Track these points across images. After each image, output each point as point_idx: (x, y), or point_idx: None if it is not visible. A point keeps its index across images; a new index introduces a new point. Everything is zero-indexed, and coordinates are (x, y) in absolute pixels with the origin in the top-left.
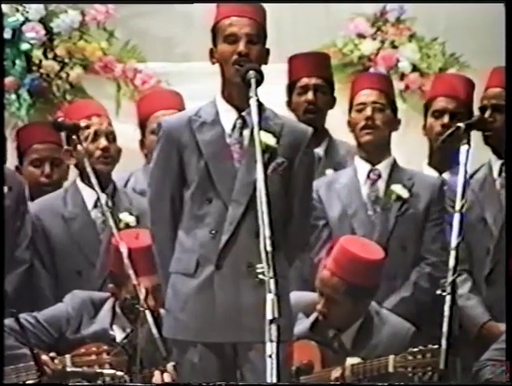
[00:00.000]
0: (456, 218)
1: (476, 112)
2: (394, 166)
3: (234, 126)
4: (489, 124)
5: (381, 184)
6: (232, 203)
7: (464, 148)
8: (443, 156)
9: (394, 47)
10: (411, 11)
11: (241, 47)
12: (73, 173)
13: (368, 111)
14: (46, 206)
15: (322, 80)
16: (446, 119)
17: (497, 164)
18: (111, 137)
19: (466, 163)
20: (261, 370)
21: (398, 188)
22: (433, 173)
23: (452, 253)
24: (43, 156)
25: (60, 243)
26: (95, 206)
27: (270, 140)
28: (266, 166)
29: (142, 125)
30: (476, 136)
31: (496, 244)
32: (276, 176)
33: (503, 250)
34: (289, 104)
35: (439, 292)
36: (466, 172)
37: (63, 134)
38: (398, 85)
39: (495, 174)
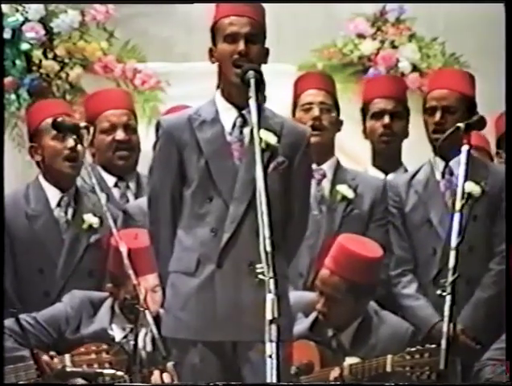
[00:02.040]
0: (456, 218)
1: (412, 109)
2: (338, 166)
3: (234, 124)
4: (439, 125)
5: (326, 184)
6: (233, 201)
7: (464, 148)
8: (387, 156)
9: (394, 47)
10: (411, 11)
11: (241, 46)
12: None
13: (316, 111)
14: (8, 202)
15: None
16: (387, 119)
17: (440, 165)
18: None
19: (467, 163)
20: (261, 370)
21: (343, 188)
22: (378, 174)
23: (452, 253)
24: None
25: (22, 240)
26: (58, 204)
27: (270, 138)
28: (266, 166)
29: (91, 124)
30: (416, 134)
31: (443, 246)
32: (276, 175)
33: (449, 251)
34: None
35: (439, 292)
36: (466, 172)
37: (25, 132)
38: None
39: (438, 175)
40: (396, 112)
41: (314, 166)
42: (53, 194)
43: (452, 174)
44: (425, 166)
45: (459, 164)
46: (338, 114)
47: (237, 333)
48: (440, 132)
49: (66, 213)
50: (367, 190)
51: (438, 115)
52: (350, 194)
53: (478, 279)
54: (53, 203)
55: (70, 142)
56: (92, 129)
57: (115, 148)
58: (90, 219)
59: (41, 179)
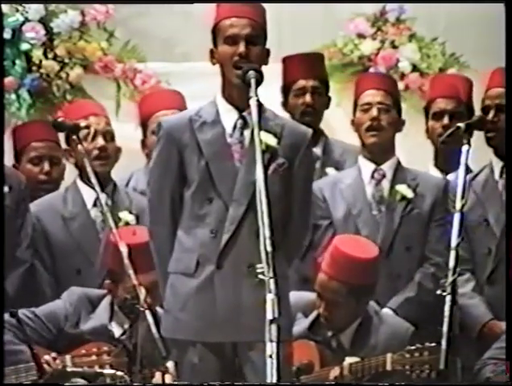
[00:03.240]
0: (456, 218)
1: (477, 112)
2: (398, 166)
3: (235, 126)
4: (492, 124)
5: (385, 184)
6: (233, 202)
7: (464, 148)
8: (448, 157)
9: (394, 47)
10: (411, 11)
11: (242, 48)
12: (70, 172)
13: (374, 112)
14: (45, 206)
15: (319, 82)
16: (446, 120)
17: (498, 165)
18: (109, 136)
19: (466, 163)
20: (262, 370)
21: (402, 188)
22: (438, 174)
23: (452, 253)
24: (42, 154)
25: (60, 242)
26: (94, 205)
27: (270, 140)
28: (266, 167)
29: (144, 125)
30: (479, 137)
31: (498, 245)
32: (277, 176)
33: (504, 250)
34: (285, 105)
35: (439, 292)
36: (466, 172)
37: (62, 134)
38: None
39: (496, 175)
40: (457, 113)
41: (373, 166)
42: (89, 194)
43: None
44: (486, 168)
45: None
46: (399, 114)
47: (236, 334)
48: (494, 131)
49: (102, 213)
50: (428, 189)
51: (491, 114)
52: (410, 193)
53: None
54: (89, 203)
55: (99, 142)
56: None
57: None
58: (126, 216)
59: (78, 181)
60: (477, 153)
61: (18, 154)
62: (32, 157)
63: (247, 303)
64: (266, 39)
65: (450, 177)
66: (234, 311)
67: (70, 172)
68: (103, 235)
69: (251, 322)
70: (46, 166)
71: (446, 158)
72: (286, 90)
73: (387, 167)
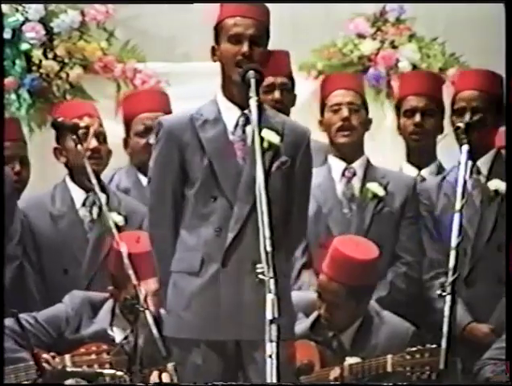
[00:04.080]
0: (456, 218)
1: (447, 109)
2: (368, 164)
3: (237, 124)
4: (472, 125)
5: (356, 182)
6: (237, 201)
7: (464, 148)
8: (420, 153)
9: (394, 47)
10: (411, 11)
11: (245, 48)
12: (56, 171)
13: (344, 112)
14: (33, 203)
15: (286, 79)
16: (418, 117)
17: (469, 166)
18: (101, 137)
19: (466, 163)
20: (265, 370)
21: (374, 186)
22: (412, 170)
23: (452, 253)
24: (13, 154)
25: (47, 241)
26: (83, 204)
27: (273, 138)
28: (269, 165)
29: (127, 125)
30: (448, 137)
31: (473, 246)
32: (279, 174)
33: (480, 251)
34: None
35: (439, 292)
36: (466, 172)
37: (26, 132)
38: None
39: (466, 175)
40: (428, 110)
41: (344, 165)
42: (78, 194)
43: (479, 173)
44: (455, 168)
45: (486, 163)
46: (367, 113)
47: (242, 332)
48: (470, 132)
49: (91, 213)
50: (398, 188)
51: (467, 116)
52: (381, 191)
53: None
54: (78, 203)
55: (93, 143)
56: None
57: (149, 151)
58: (115, 217)
59: (67, 180)
60: (446, 153)
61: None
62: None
63: (252, 301)
64: (268, 39)
65: (423, 172)
66: (239, 309)
67: (56, 171)
68: (107, 240)
69: (256, 320)
70: (17, 167)
71: (419, 154)
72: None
73: (357, 166)
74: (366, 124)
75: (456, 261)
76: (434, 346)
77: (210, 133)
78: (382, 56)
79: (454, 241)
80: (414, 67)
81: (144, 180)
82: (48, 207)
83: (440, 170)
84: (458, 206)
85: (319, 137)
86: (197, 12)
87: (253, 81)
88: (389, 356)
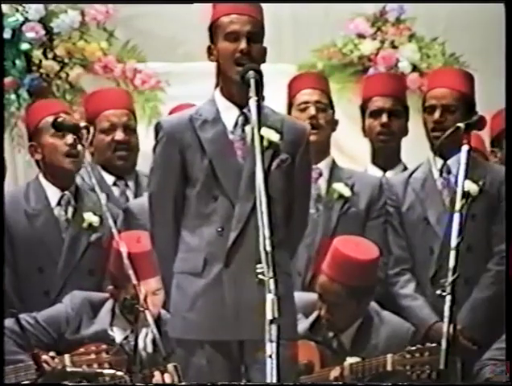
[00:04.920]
0: (456, 218)
1: (413, 109)
2: (334, 164)
3: (236, 123)
4: (438, 124)
5: (322, 183)
6: (239, 200)
7: (464, 148)
8: (385, 154)
9: (394, 47)
10: (411, 11)
11: (243, 45)
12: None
13: (312, 110)
14: (8, 200)
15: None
16: (384, 118)
17: (438, 164)
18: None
19: (467, 163)
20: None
21: (340, 186)
22: (377, 171)
23: (452, 253)
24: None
25: (22, 238)
26: (58, 203)
27: (273, 136)
28: (269, 163)
29: (91, 123)
30: (419, 133)
31: (442, 244)
32: (279, 172)
33: (448, 251)
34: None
35: (439, 292)
36: (466, 172)
37: (24, 131)
38: None
39: (435, 174)
40: (394, 111)
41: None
42: (53, 192)
43: (449, 172)
44: (423, 165)
45: (457, 163)
46: (333, 113)
47: (246, 332)
48: (439, 130)
49: (66, 212)
50: (364, 188)
51: (437, 113)
52: (347, 192)
53: (476, 279)
54: (53, 201)
55: (69, 139)
56: (92, 129)
57: (114, 148)
58: (90, 217)
59: (41, 178)
60: (412, 149)
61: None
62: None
63: (256, 301)
64: (264, 36)
65: (388, 174)
66: (243, 309)
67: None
68: (104, 238)
69: (261, 319)
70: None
71: (383, 156)
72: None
73: (323, 166)
74: (333, 124)
75: (456, 261)
76: (434, 345)
77: (210, 133)
78: (382, 56)
79: (454, 241)
80: (415, 67)
81: (108, 178)
82: (23, 204)
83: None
84: (458, 206)
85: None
86: (197, 12)
87: (252, 81)
88: (389, 355)
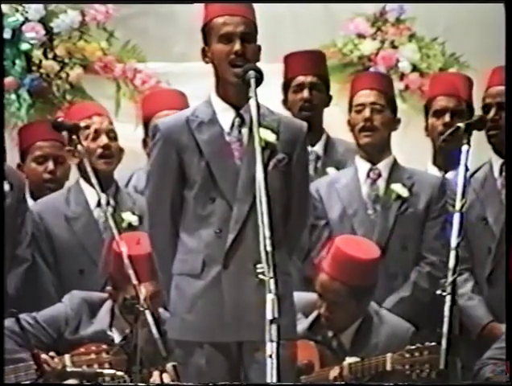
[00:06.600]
0: (456, 218)
1: (477, 110)
2: (395, 165)
3: (233, 124)
4: (494, 122)
5: (381, 183)
6: (236, 201)
7: (464, 148)
8: (447, 155)
9: (394, 47)
10: (411, 11)
11: (237, 46)
12: (74, 172)
13: (366, 112)
14: (48, 205)
15: (317, 78)
16: (447, 118)
17: (498, 163)
18: (112, 135)
19: (466, 163)
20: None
21: (397, 187)
22: (437, 172)
23: (452, 253)
24: (47, 153)
25: (63, 242)
26: (98, 205)
27: (269, 136)
28: (266, 165)
29: (146, 125)
30: (479, 134)
31: (497, 244)
32: (277, 172)
33: (504, 250)
34: (285, 102)
35: (439, 292)
36: (466, 172)
37: (64, 134)
38: (397, 85)
39: (496, 173)
40: (458, 111)
41: (369, 166)
42: (92, 194)
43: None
44: (485, 165)
45: None
46: (394, 113)
47: (245, 333)
48: (495, 128)
49: (105, 213)
50: (423, 188)
51: (492, 112)
52: (405, 192)
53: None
54: (92, 203)
55: (103, 140)
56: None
57: None
58: (129, 217)
59: (81, 182)
60: (477, 150)
61: (24, 154)
62: (37, 156)
63: (255, 302)
64: (257, 36)
65: (449, 175)
66: (242, 310)
67: (74, 172)
68: (106, 239)
69: (259, 320)
70: (50, 166)
71: (445, 157)
72: (286, 87)
73: (383, 166)
74: (391, 124)
75: (457, 261)
76: (433, 344)
77: (206, 134)
78: (382, 56)
79: (454, 241)
80: (415, 67)
81: None
82: (63, 209)
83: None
84: (458, 206)
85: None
86: (197, 12)
87: (252, 81)
88: (388, 355)
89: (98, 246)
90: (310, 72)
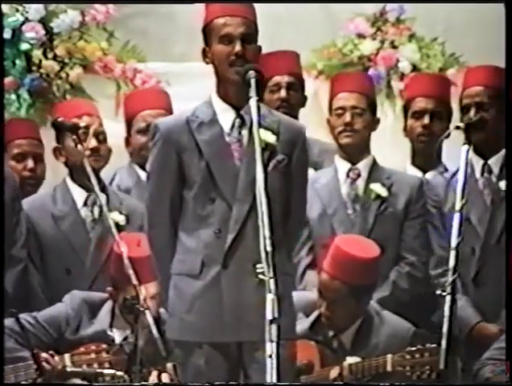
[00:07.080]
0: (456, 218)
1: (455, 111)
2: (374, 165)
3: (233, 125)
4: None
5: (360, 183)
6: (236, 202)
7: (464, 148)
8: (425, 155)
9: (394, 47)
10: (411, 11)
11: (238, 47)
12: (61, 172)
13: (347, 117)
14: (35, 204)
15: (294, 78)
16: (426, 120)
17: (479, 164)
18: (101, 137)
19: (467, 163)
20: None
21: (377, 187)
22: (416, 172)
23: (452, 253)
24: (25, 151)
25: (50, 241)
26: (85, 204)
27: (269, 137)
28: (266, 166)
29: (129, 123)
30: (458, 135)
31: (482, 245)
32: (276, 173)
33: (489, 250)
34: (261, 101)
35: (439, 292)
36: (466, 172)
37: (53, 133)
38: (397, 85)
39: (477, 174)
40: (437, 112)
41: (349, 165)
42: (79, 193)
43: (490, 172)
44: (468, 166)
45: (497, 162)
46: (374, 114)
47: (244, 333)
48: (478, 129)
49: (92, 212)
50: (402, 188)
51: (472, 112)
52: (384, 192)
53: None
54: (79, 202)
55: (92, 142)
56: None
57: None
58: (116, 217)
59: (68, 180)
60: (454, 151)
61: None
62: (15, 154)
63: (254, 302)
64: (257, 36)
65: (428, 175)
66: (241, 311)
67: (56, 171)
68: (104, 240)
69: (259, 320)
70: (30, 163)
71: (423, 157)
72: (262, 87)
73: (362, 166)
74: (372, 125)
75: (456, 261)
76: (434, 345)
77: (206, 135)
78: (382, 56)
79: (454, 241)
80: (414, 67)
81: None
82: (50, 207)
83: (445, 172)
84: (458, 206)
85: (328, 138)
86: (197, 12)
87: (253, 81)
88: (389, 356)
89: (85, 245)
90: (286, 72)
